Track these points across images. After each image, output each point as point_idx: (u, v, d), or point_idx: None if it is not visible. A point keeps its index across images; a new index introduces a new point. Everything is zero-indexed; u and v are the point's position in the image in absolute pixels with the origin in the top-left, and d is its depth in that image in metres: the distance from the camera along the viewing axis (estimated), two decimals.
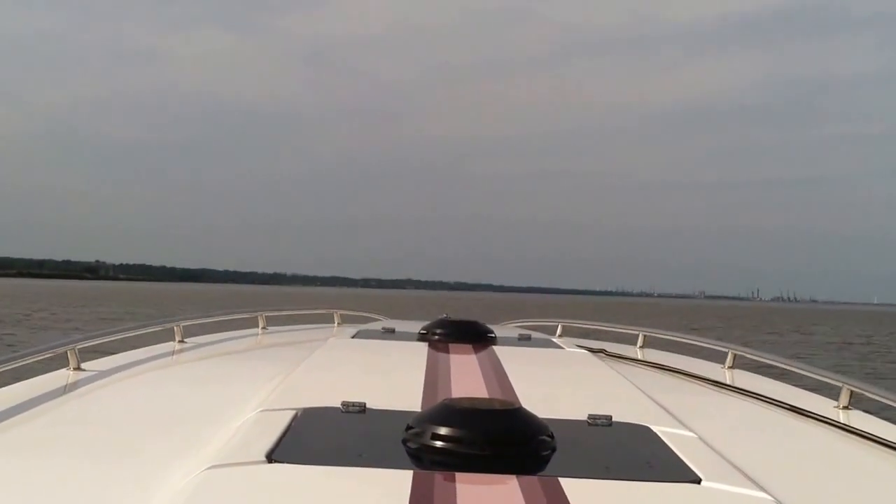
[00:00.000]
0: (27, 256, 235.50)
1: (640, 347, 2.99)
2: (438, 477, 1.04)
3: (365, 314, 3.83)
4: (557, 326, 3.57)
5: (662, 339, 3.12)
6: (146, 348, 2.48)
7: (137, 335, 2.56)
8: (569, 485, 1.03)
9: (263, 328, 3.13)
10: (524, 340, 2.64)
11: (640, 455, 1.22)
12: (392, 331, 2.69)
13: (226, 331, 3.05)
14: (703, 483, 1.07)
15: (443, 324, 2.53)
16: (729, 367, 2.56)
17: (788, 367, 2.37)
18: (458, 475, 1.05)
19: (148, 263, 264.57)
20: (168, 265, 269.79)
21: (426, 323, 2.61)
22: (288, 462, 1.08)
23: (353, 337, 2.58)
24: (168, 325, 2.67)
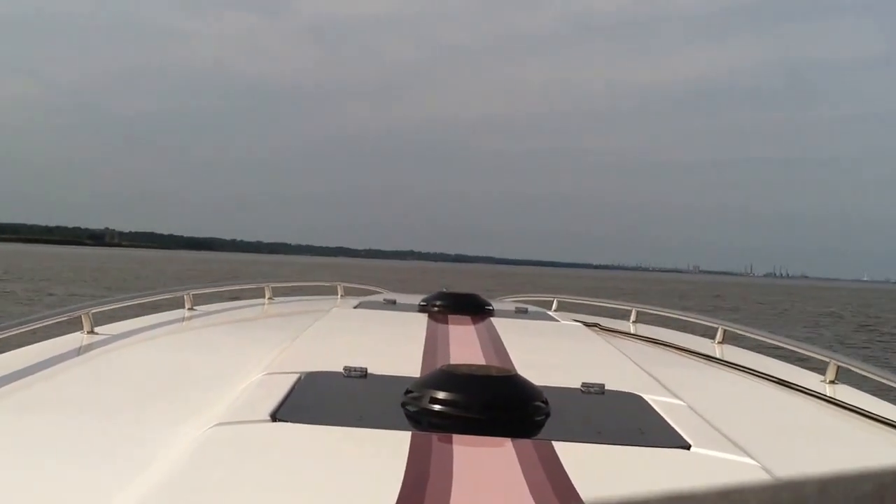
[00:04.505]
0: (42, 223, 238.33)
1: (633, 322, 3.05)
2: (435, 438, 1.07)
3: (367, 287, 3.91)
4: (553, 301, 3.65)
5: (655, 314, 3.20)
6: (157, 314, 2.55)
7: (149, 301, 2.64)
8: (562, 448, 1.05)
9: (270, 298, 3.19)
10: (521, 313, 2.73)
11: (632, 422, 1.27)
12: (393, 302, 2.79)
13: (234, 300, 3.17)
14: (692, 449, 1.11)
15: (442, 296, 2.62)
16: (719, 342, 2.61)
17: (777, 343, 2.44)
18: (455, 437, 1.08)
19: (157, 232, 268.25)
20: (176, 233, 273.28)
21: (426, 295, 2.70)
22: (290, 421, 1.12)
23: (355, 307, 2.68)
24: (179, 294, 2.73)
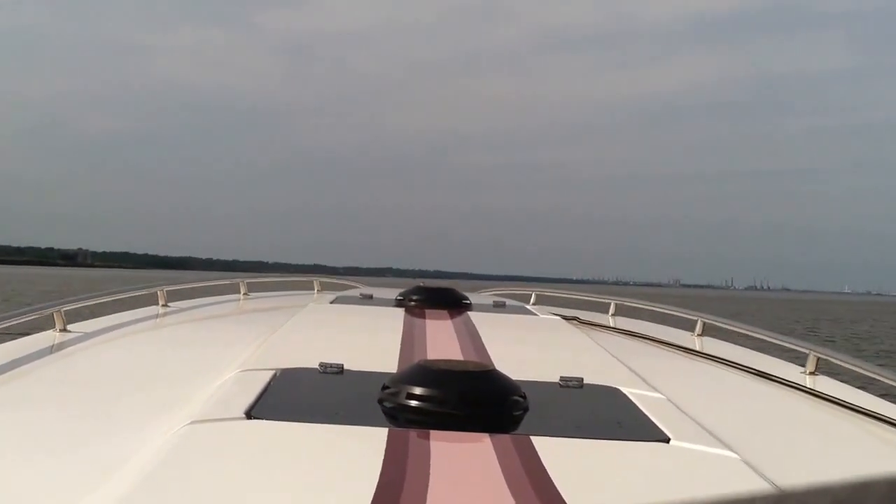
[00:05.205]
0: (9, 244, 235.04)
1: (612, 315, 3.03)
2: (413, 434, 1.06)
3: (344, 282, 3.90)
4: (531, 295, 3.64)
5: (634, 307, 3.19)
6: (130, 311, 2.51)
7: (122, 298, 2.60)
8: (540, 443, 1.04)
9: (245, 294, 3.16)
10: (499, 307, 2.71)
11: (611, 415, 1.26)
12: (370, 297, 2.75)
13: (208, 297, 3.13)
14: (671, 442, 1.10)
15: (419, 290, 2.58)
16: (698, 335, 2.60)
17: (757, 335, 2.43)
18: (433, 433, 1.06)
19: (131, 251, 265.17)
20: (151, 252, 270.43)
21: (403, 290, 2.67)
22: (266, 419, 1.10)
23: (331, 302, 2.64)
24: (152, 290, 2.70)
